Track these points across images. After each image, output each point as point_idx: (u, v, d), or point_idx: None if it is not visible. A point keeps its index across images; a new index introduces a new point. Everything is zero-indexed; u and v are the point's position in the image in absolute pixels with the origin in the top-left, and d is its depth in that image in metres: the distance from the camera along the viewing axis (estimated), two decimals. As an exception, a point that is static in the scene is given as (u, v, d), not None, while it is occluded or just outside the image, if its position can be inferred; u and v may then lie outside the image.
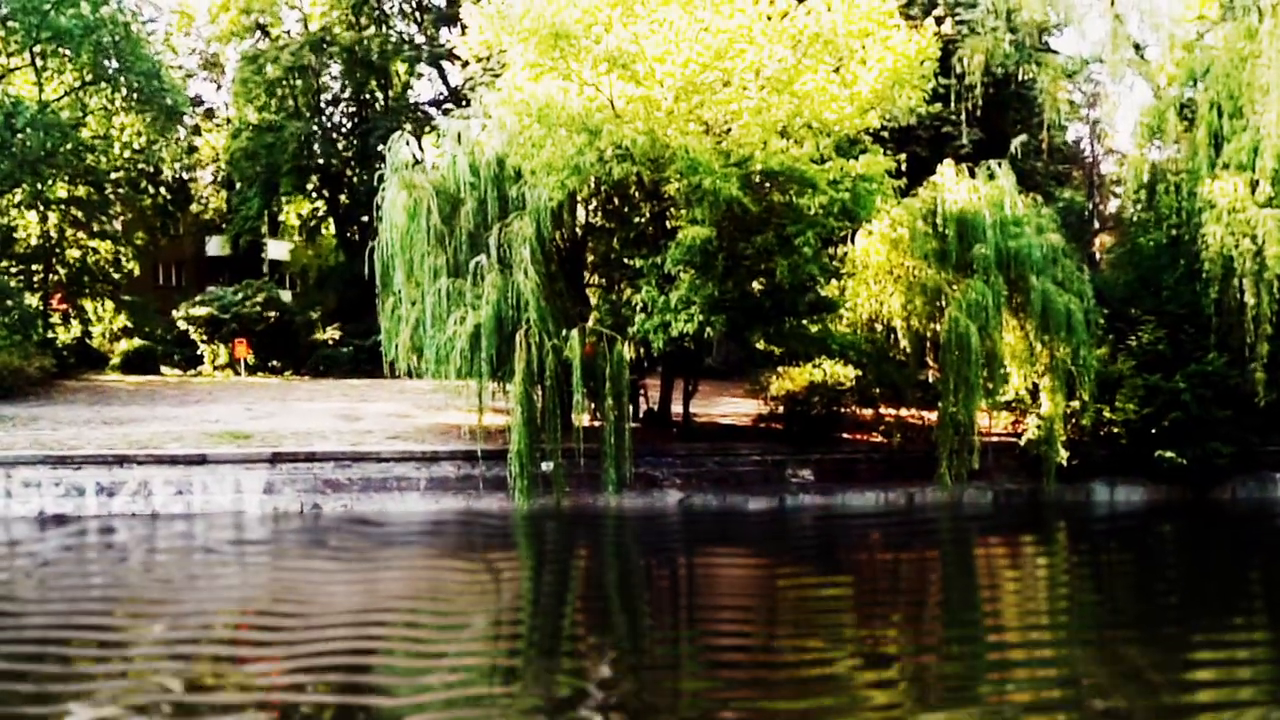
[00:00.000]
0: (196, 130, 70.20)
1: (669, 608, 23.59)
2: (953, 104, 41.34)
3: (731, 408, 39.78)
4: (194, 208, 75.24)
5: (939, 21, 33.63)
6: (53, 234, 58.58)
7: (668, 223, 31.80)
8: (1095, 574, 27.46)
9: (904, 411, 34.98)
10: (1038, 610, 23.16)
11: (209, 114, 73.74)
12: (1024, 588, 25.71)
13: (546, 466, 29.61)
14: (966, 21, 42.51)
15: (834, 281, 32.38)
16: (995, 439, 33.71)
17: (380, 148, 34.56)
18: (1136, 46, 39.02)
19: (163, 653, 18.51)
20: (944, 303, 31.55)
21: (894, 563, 28.57)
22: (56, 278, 59.27)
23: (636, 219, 32.98)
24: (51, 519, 28.65)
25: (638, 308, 29.96)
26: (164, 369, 59.45)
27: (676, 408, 35.95)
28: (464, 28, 33.40)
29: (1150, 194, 37.51)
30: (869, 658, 19.16)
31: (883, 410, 35.35)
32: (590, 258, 35.05)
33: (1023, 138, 44.22)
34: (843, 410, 34.76)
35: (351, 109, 72.19)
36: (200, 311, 58.56)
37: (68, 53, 49.87)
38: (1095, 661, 19.03)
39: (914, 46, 30.86)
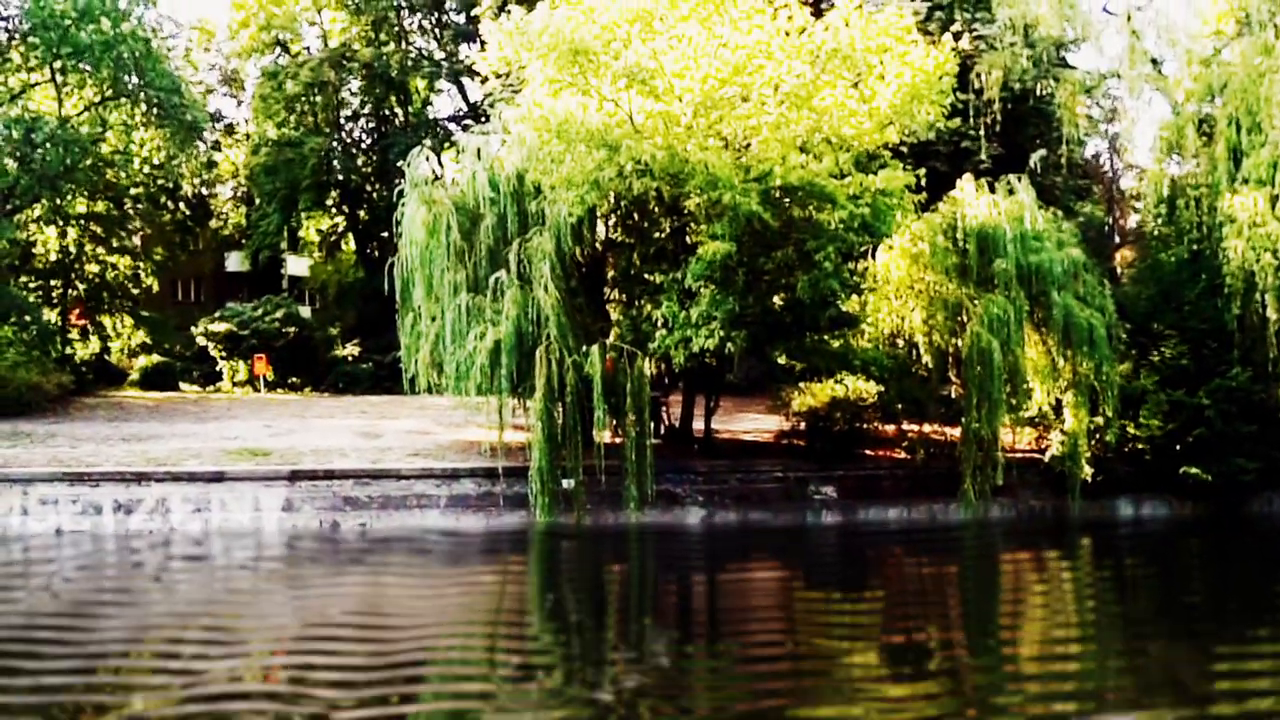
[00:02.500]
0: (216, 146, 70.23)
1: (696, 621, 23.49)
2: (971, 119, 41.19)
3: (753, 424, 39.68)
4: (213, 223, 75.28)
5: (956, 37, 33.69)
6: (72, 249, 58.72)
7: (688, 238, 31.79)
8: (1120, 587, 27.32)
9: (927, 427, 34.78)
10: (1064, 622, 23.00)
11: (229, 129, 73.75)
12: (1050, 602, 25.52)
13: (567, 484, 29.41)
14: (984, 37, 42.48)
15: (855, 296, 32.17)
16: (1019, 455, 33.48)
17: (400, 163, 34.50)
18: (1154, 62, 38.87)
19: (191, 663, 18.44)
20: (965, 318, 31.40)
21: (919, 577, 28.39)
22: (75, 293, 59.39)
23: (656, 234, 32.98)
24: (68, 536, 28.56)
25: (658, 323, 29.96)
26: (183, 385, 59.47)
27: (698, 424, 35.86)
28: (483, 44, 33.44)
29: (1170, 209, 37.38)
30: (897, 668, 19.12)
31: (905, 426, 35.20)
32: (610, 273, 34.99)
33: (1042, 153, 44.12)
34: (865, 426, 34.68)
35: (371, 125, 72.40)
36: (219, 327, 58.64)
37: (88, 68, 49.89)
38: (1120, 671, 19.00)
39: (932, 62, 30.96)
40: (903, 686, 17.95)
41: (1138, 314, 35.33)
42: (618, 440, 30.03)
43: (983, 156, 42.06)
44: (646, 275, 31.64)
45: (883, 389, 33.97)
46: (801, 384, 35.49)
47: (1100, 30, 40.88)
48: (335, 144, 68.33)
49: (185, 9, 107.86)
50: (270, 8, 67.61)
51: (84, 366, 57.25)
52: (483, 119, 43.34)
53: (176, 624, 21.69)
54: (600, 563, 28.94)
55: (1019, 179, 33.04)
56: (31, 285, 56.39)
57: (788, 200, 30.19)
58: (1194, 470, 32.21)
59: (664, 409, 36.74)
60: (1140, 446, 33.08)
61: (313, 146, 64.20)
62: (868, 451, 34.88)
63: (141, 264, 62.89)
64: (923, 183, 31.37)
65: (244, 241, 74.36)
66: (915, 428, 34.94)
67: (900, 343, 34.03)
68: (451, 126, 65.55)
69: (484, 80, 35.42)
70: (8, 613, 22.20)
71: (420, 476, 31.19)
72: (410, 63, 66.30)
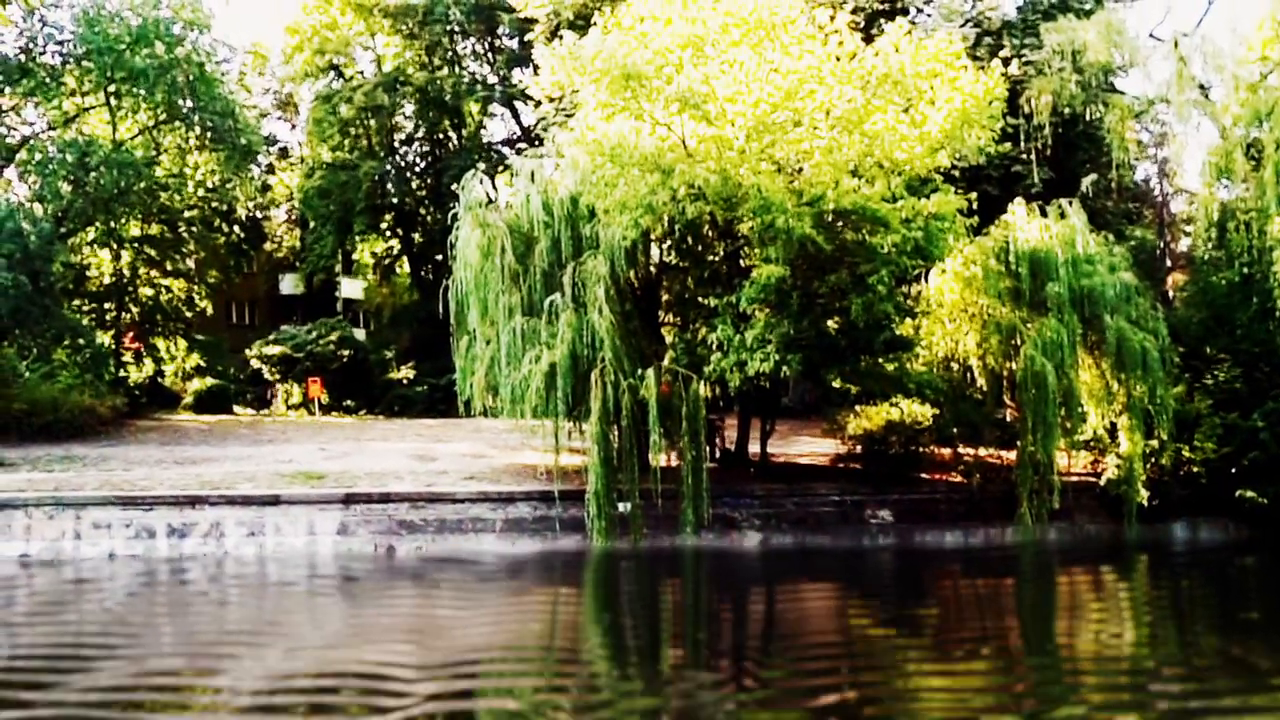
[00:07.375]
0: (270, 169, 70.84)
1: (757, 644, 23.24)
2: (1022, 143, 41.38)
3: (809, 447, 39.65)
4: (267, 246, 75.99)
5: (1006, 63, 33.91)
6: (125, 272, 59.11)
7: (741, 261, 31.93)
8: (1176, 604, 27.28)
9: (982, 451, 34.72)
10: (1122, 628, 23.39)
11: (283, 153, 74.55)
12: (1109, 610, 25.76)
13: (624, 507, 29.36)
14: (1033, 62, 42.66)
15: (909, 320, 32.28)
16: (1074, 479, 33.40)
17: (454, 186, 34.75)
18: (1201, 87, 38.91)
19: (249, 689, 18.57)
20: (1019, 341, 31.30)
21: (978, 597, 28.16)
22: (129, 316, 59.75)
23: (710, 257, 33.10)
24: (121, 560, 28.61)
25: (713, 346, 29.96)
26: (236, 408, 59.73)
27: (754, 447, 35.94)
28: (536, 68, 33.66)
29: (1220, 232, 37.34)
30: (954, 688, 19.04)
31: (961, 449, 35.11)
32: (665, 296, 35.13)
33: (1092, 177, 44.11)
34: (921, 450, 34.69)
35: (425, 148, 72.89)
36: (273, 350, 58.89)
37: (142, 92, 50.25)
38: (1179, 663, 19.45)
39: (981, 87, 31.10)
40: (965, 679, 18.26)
41: (1190, 337, 35.33)
42: (674, 463, 30.11)
43: (1033, 180, 42.19)
44: (700, 298, 31.78)
45: (938, 412, 34.05)
46: (856, 407, 35.59)
47: (1147, 56, 41.28)
48: (389, 167, 68.81)
49: (240, 34, 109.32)
50: (324, 33, 68.26)
51: (137, 390, 57.58)
52: (536, 142, 43.67)
53: (230, 640, 21.75)
54: (658, 586, 28.77)
55: (1070, 203, 33.10)
56: (85, 308, 56.79)
57: (840, 224, 30.26)
58: (1249, 493, 32.13)
59: (719, 432, 36.76)
60: (1196, 470, 32.99)
61: (366, 170, 64.73)
62: (924, 475, 34.84)
63: (195, 287, 63.32)
64: (974, 206, 31.39)
65: (298, 264, 75.10)
66: (971, 451, 34.86)
67: (954, 366, 34.11)
68: (505, 150, 65.99)
69: (537, 104, 35.72)
70: (70, 622, 22.53)
71: (476, 500, 31.17)
72: (464, 87, 66.65)
